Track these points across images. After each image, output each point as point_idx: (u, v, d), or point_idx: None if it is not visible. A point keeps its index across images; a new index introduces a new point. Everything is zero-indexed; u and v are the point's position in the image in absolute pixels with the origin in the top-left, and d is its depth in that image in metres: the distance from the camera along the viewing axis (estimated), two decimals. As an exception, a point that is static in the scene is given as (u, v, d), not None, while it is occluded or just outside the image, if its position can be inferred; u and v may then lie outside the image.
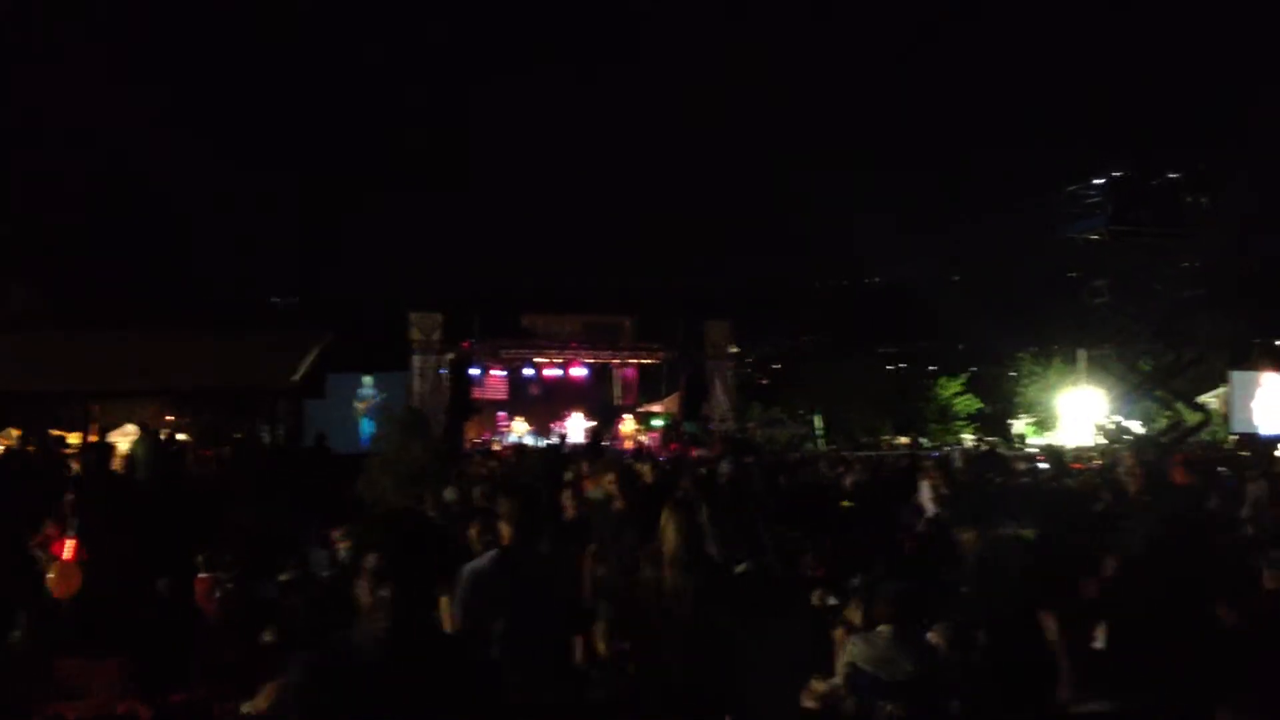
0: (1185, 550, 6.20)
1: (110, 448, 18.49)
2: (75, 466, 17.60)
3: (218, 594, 9.67)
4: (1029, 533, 7.99)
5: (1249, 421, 33.28)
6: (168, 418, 24.73)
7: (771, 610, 5.97)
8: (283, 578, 10.10)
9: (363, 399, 28.35)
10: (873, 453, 33.17)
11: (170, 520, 11.90)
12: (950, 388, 53.23)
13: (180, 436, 22.17)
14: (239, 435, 21.53)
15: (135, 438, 18.58)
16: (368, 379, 28.73)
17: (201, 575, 9.94)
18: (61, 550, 9.72)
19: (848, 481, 14.83)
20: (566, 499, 9.12)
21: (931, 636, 6.89)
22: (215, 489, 14.91)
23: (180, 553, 10.23)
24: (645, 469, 11.04)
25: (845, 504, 13.79)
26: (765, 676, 5.55)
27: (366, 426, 26.12)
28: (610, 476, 8.78)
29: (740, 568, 6.76)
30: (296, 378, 17.51)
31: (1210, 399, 36.03)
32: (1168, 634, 5.81)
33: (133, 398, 22.25)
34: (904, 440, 44.99)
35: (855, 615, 7.13)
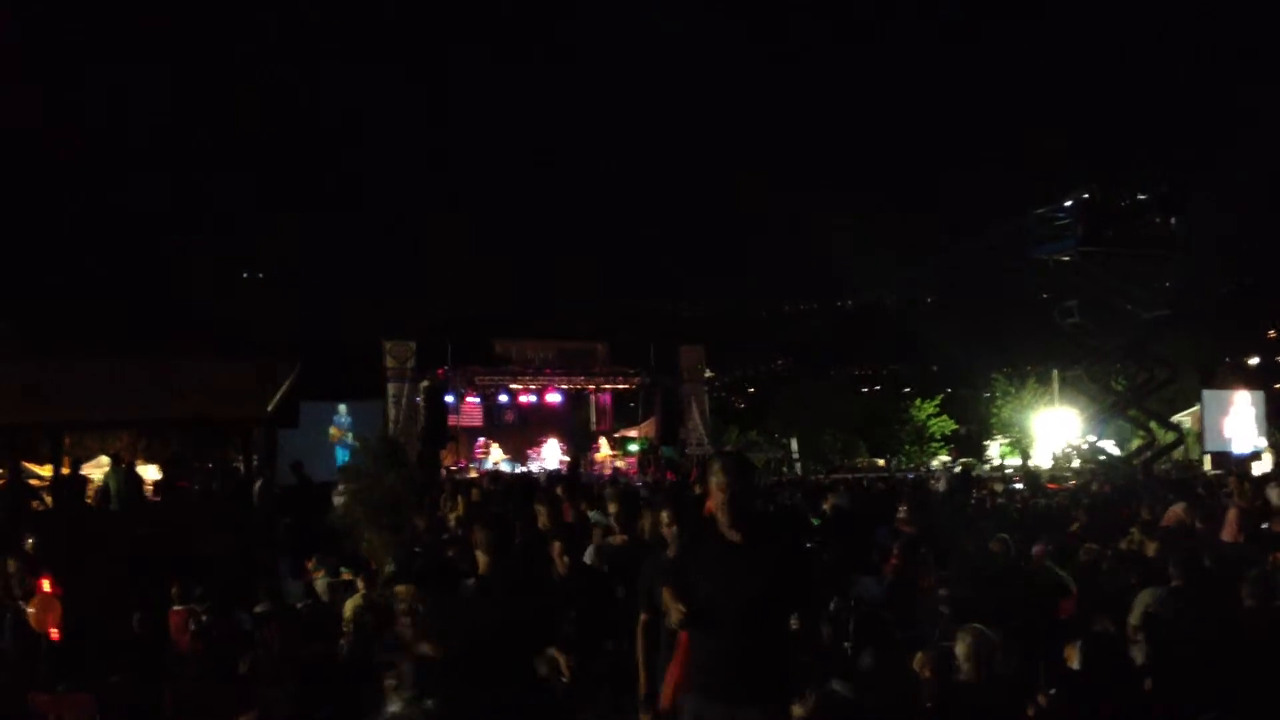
0: None
1: (83, 481, 18.38)
2: (47, 500, 17.46)
3: (192, 626, 9.58)
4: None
5: (1222, 440, 33.50)
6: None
7: None
8: (257, 609, 10.01)
9: (338, 427, 28.21)
10: (849, 475, 33.25)
11: (144, 552, 11.82)
12: (925, 409, 53.42)
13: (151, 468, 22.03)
14: (211, 466, 21.39)
15: (108, 469, 18.43)
16: (342, 407, 28.61)
17: (176, 608, 9.85)
18: (40, 584, 9.63)
19: (828, 504, 14.84)
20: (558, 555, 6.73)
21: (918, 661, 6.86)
22: (188, 521, 14.79)
23: (154, 585, 10.15)
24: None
25: (815, 521, 13.86)
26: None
27: (342, 455, 25.98)
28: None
29: None
30: (270, 407, 17.36)
31: (1183, 418, 36.27)
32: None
33: (104, 429, 22.06)
34: (880, 462, 45.16)
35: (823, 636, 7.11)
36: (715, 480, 4.84)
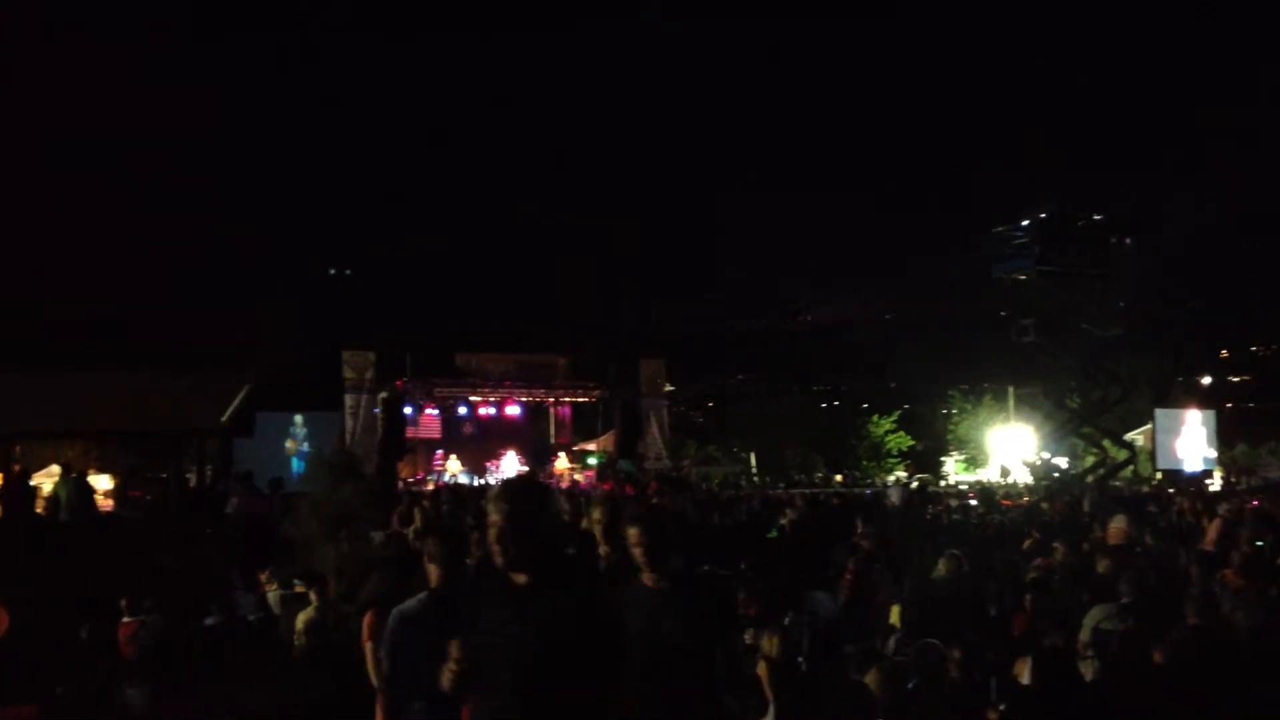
0: None
1: (33, 490, 18.15)
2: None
3: (141, 638, 9.47)
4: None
5: (1173, 458, 33.88)
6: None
7: None
8: (208, 621, 9.91)
9: (294, 438, 28.01)
10: (806, 490, 33.35)
11: (93, 563, 11.68)
12: (883, 425, 53.61)
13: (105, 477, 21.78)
14: (165, 476, 21.18)
15: (58, 479, 18.21)
16: (299, 418, 28.41)
17: (125, 619, 9.73)
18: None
19: (786, 519, 14.91)
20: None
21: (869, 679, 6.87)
22: (139, 531, 14.64)
23: (103, 596, 10.02)
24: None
25: (772, 535, 13.95)
26: None
27: (297, 466, 25.81)
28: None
29: None
30: (225, 418, 17.25)
31: (1136, 436, 36.64)
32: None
33: (57, 438, 21.81)
34: (838, 478, 45.31)
35: (772, 649, 7.12)
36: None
